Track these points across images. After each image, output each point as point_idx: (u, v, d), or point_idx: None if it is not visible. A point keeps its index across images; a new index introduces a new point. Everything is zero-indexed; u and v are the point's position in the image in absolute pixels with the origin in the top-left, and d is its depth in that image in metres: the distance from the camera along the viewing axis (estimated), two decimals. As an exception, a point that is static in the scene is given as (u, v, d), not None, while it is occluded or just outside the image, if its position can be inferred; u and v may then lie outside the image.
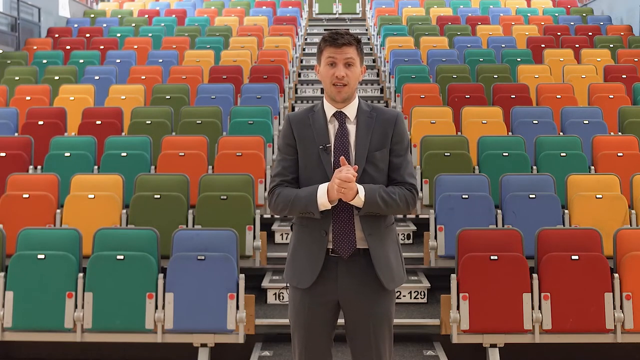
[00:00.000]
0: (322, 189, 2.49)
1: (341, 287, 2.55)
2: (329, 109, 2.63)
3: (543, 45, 9.88)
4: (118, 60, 9.28)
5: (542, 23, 11.67)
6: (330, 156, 2.56)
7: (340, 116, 2.62)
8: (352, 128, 2.61)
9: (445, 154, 5.88)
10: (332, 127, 2.61)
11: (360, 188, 2.47)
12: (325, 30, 2.66)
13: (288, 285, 2.68)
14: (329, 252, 2.55)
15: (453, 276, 4.26)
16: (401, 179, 2.59)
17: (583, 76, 8.32)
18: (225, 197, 5.12)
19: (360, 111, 2.63)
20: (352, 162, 2.56)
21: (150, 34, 10.84)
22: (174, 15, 12.52)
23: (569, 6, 13.44)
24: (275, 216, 6.21)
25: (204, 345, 4.25)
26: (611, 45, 9.85)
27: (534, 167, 5.95)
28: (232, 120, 6.95)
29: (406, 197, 2.57)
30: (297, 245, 2.63)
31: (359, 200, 2.47)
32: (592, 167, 6.00)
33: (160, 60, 9.27)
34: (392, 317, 2.64)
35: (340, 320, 2.64)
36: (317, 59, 2.66)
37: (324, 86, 2.63)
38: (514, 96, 7.53)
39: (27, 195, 5.13)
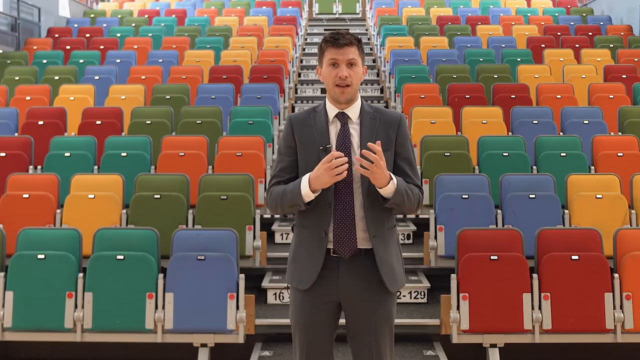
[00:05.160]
0: (305, 179, 2.48)
1: (342, 287, 2.55)
2: (332, 110, 2.62)
3: (543, 45, 9.89)
4: (118, 60, 9.28)
5: (542, 23, 11.67)
6: None
7: (342, 117, 2.61)
8: (354, 129, 2.60)
9: (445, 154, 5.88)
10: (334, 128, 2.60)
11: (392, 175, 2.47)
12: (325, 30, 2.66)
13: (289, 285, 2.67)
14: (329, 253, 2.55)
15: (453, 276, 4.26)
16: (411, 182, 2.60)
17: (583, 76, 8.32)
18: (225, 197, 5.12)
19: (363, 112, 2.62)
20: (354, 163, 2.54)
21: (150, 34, 10.83)
22: (174, 15, 12.51)
23: (569, 6, 13.44)
24: (276, 216, 6.22)
25: (204, 345, 4.25)
26: (611, 45, 9.85)
27: (534, 167, 5.95)
28: (232, 120, 6.95)
29: (418, 196, 2.60)
30: (298, 246, 2.63)
31: (392, 186, 2.45)
32: (592, 167, 6.00)
33: (160, 60, 9.27)
34: (393, 318, 2.64)
35: (341, 321, 2.64)
36: (319, 60, 2.65)
37: (326, 87, 2.61)
38: (514, 96, 7.53)
39: (27, 195, 5.13)
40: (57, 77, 8.41)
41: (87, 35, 11.03)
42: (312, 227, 2.56)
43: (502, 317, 4.19)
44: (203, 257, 4.25)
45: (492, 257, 4.23)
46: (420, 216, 6.01)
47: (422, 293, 5.00)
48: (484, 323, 4.18)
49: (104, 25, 11.80)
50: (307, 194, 2.47)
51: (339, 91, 2.56)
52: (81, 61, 9.28)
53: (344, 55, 2.54)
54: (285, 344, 4.48)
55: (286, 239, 5.82)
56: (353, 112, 2.62)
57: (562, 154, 5.88)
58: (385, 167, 2.42)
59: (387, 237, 2.58)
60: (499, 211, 5.16)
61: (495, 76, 8.32)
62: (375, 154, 2.38)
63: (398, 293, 4.89)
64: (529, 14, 12.41)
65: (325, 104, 2.65)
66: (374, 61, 11.30)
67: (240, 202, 5.11)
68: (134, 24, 11.75)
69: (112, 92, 7.84)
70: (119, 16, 12.66)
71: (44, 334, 4.27)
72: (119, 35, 10.92)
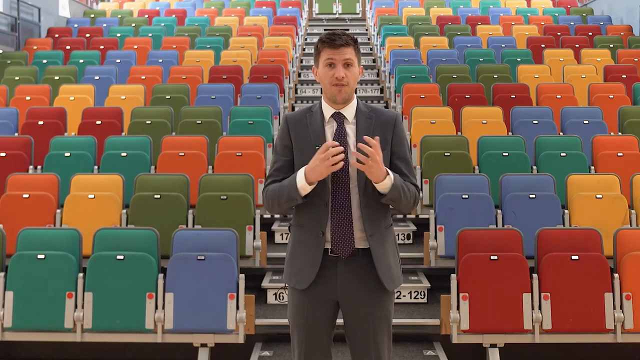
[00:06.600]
0: (301, 172, 2.48)
1: (340, 287, 2.55)
2: (327, 110, 2.62)
3: (543, 45, 9.89)
4: (118, 60, 9.28)
5: (542, 23, 11.67)
6: None
7: (338, 117, 2.60)
8: (350, 129, 2.60)
9: (445, 154, 5.88)
10: (330, 128, 2.60)
11: (389, 170, 2.47)
12: (325, 30, 2.67)
13: (286, 285, 2.67)
14: (327, 252, 2.54)
15: (453, 276, 4.26)
16: (408, 180, 2.59)
17: (583, 76, 8.32)
18: (225, 197, 5.12)
19: (359, 112, 2.62)
20: (350, 164, 2.54)
21: (150, 34, 10.84)
22: (174, 15, 12.52)
23: (569, 6, 13.44)
24: (275, 216, 6.22)
25: (204, 345, 4.25)
26: (611, 45, 9.86)
27: (534, 167, 5.95)
28: (232, 120, 6.95)
29: (415, 195, 2.59)
30: (295, 246, 2.63)
31: (389, 181, 2.45)
32: (592, 167, 6.00)
33: (160, 60, 9.27)
34: (391, 318, 2.64)
35: (340, 320, 2.64)
36: (315, 60, 2.65)
37: (323, 87, 2.61)
38: (514, 96, 7.53)
39: (27, 195, 5.13)
40: (57, 77, 8.41)
41: (87, 35, 11.03)
42: (309, 227, 2.56)
43: (502, 317, 4.19)
44: (203, 257, 4.25)
45: (492, 257, 4.23)
46: (420, 216, 6.00)
47: (422, 293, 5.00)
48: (484, 323, 4.18)
49: (104, 25, 11.80)
50: (303, 187, 2.46)
51: (336, 90, 2.55)
52: (81, 61, 9.29)
53: (340, 56, 2.54)
54: (285, 344, 4.46)
55: (286, 239, 5.82)
56: (349, 112, 2.61)
57: (562, 154, 5.88)
58: (382, 162, 2.41)
59: (384, 236, 2.58)
60: (499, 211, 5.16)
61: (495, 76, 8.32)
62: (371, 147, 2.37)
63: (397, 293, 4.92)
64: (529, 14, 12.41)
65: (321, 104, 2.64)
66: (374, 61, 11.30)
67: (240, 202, 5.11)
68: (134, 24, 11.75)
69: (112, 92, 7.84)
70: (119, 16, 12.66)
71: (44, 334, 4.27)
72: (119, 35, 10.93)
